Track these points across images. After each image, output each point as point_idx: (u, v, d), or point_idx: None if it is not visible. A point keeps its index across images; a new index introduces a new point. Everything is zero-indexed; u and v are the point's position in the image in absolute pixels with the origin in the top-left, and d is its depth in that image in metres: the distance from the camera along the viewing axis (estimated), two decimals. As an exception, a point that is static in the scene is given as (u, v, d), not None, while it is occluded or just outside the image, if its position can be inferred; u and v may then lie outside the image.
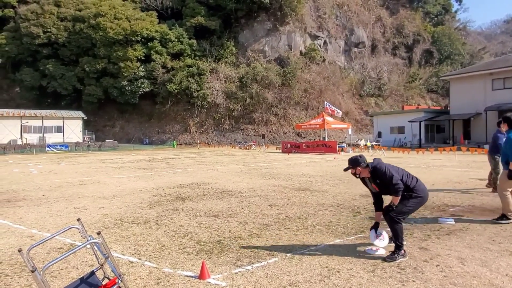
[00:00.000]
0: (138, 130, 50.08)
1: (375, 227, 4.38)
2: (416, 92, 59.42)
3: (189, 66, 47.08)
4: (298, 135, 45.49)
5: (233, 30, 51.43)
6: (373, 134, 39.82)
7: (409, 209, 4.15)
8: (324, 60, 54.29)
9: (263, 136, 40.95)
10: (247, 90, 46.68)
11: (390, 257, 4.03)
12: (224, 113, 47.06)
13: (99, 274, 2.74)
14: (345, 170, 4.30)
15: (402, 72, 60.65)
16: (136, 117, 50.59)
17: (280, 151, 30.01)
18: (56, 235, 2.71)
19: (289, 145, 29.22)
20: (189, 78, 46.24)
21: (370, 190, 4.43)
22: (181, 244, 4.88)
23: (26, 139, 41.61)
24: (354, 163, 4.20)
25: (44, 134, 43.13)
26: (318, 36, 55.78)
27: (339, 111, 31.30)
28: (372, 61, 59.28)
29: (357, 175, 4.27)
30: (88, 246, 2.68)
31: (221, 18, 49.65)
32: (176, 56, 47.87)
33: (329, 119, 28.54)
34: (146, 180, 12.29)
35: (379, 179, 4.15)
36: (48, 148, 38.40)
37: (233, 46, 50.33)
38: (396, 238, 4.08)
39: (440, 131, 34.92)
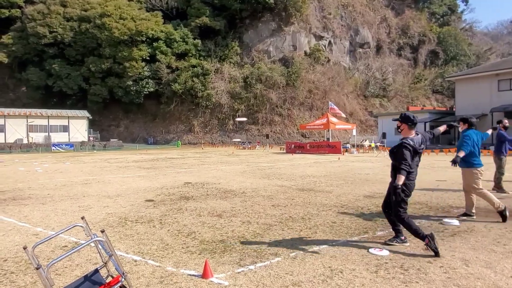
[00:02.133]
0: (142, 129, 50.30)
1: None
2: (421, 93, 59.10)
3: (194, 66, 47.21)
4: (302, 136, 45.43)
5: (237, 30, 51.49)
6: (377, 135, 39.67)
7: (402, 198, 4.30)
8: (328, 61, 54.18)
9: (267, 136, 40.94)
10: (252, 90, 46.70)
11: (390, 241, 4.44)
12: (228, 113, 47.13)
13: (103, 272, 2.76)
14: (394, 120, 4.58)
15: (407, 73, 60.36)
16: (140, 117, 50.82)
17: (284, 151, 29.99)
18: (61, 233, 2.73)
19: (293, 146, 29.19)
20: (194, 78, 46.38)
21: None
22: (185, 243, 4.90)
23: (32, 138, 41.92)
24: (405, 119, 4.38)
25: (50, 133, 43.45)
26: (323, 37, 55.67)
27: (342, 114, 31.29)
28: (377, 62, 59.03)
29: (399, 130, 4.48)
30: (92, 244, 2.71)
31: (225, 19, 49.75)
32: (181, 56, 48.04)
33: (333, 119, 28.49)
34: (150, 179, 12.34)
35: (396, 149, 4.36)
36: (53, 147, 38.67)
37: (237, 46, 50.38)
38: (411, 232, 4.31)
39: (446, 132, 34.56)
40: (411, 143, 4.23)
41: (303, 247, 4.61)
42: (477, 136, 5.93)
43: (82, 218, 2.84)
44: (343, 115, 33.61)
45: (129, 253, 4.52)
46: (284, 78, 47.66)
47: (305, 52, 52.86)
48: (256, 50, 51.37)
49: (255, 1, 47.52)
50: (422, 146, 4.36)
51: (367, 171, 13.67)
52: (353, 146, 29.55)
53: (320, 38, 55.40)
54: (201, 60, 48.09)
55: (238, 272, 3.81)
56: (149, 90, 47.24)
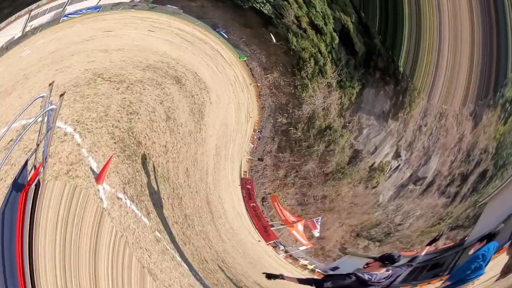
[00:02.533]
0: (221, 20, 43.96)
1: None
2: (430, 236, 57.45)
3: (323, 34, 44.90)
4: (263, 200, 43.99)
5: (366, 71, 50.70)
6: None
7: None
8: (375, 187, 53.43)
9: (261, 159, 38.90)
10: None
11: None
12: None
13: (30, 162, 3.06)
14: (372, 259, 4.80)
15: (432, 215, 59.69)
16: (230, 16, 44.99)
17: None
18: (14, 123, 3.15)
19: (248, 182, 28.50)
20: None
21: None
22: (118, 121, 5.42)
23: (31, 25, 31.81)
24: (386, 259, 4.60)
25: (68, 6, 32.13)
26: (400, 157, 55.32)
27: (317, 234, 30.72)
28: (411, 205, 58.90)
29: (365, 266, 4.76)
30: (40, 119, 2.95)
31: (365, 46, 49.19)
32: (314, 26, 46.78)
33: (299, 227, 28.34)
34: (173, 46, 11.91)
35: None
36: (64, 18, 27.58)
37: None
38: None
39: (435, 268, 30.48)
40: (365, 277, 4.33)
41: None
42: (494, 247, 5.91)
43: (50, 84, 3.10)
44: (317, 235, 32.97)
45: (67, 122, 4.77)
46: (333, 166, 47.62)
47: (373, 163, 52.21)
48: (360, 116, 50.60)
49: (391, 56, 47.10)
50: (384, 281, 4.38)
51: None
52: (286, 252, 29.34)
53: (397, 156, 55.01)
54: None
55: (118, 198, 4.33)
56: (260, 8, 44.70)
